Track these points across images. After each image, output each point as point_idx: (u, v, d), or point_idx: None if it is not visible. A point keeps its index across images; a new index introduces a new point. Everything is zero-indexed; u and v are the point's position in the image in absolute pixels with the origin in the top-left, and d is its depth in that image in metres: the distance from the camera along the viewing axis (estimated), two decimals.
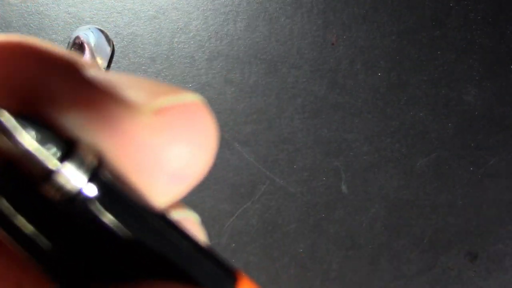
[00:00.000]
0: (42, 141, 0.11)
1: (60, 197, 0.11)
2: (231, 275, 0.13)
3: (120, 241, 0.12)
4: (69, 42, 0.70)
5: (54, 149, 0.11)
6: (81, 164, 0.11)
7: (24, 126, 0.11)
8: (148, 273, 0.12)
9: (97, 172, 0.11)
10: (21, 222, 0.12)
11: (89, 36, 0.69)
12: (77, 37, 0.69)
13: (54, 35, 0.72)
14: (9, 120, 0.11)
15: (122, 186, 0.12)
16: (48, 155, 0.11)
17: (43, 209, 0.12)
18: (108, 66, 0.70)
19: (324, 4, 0.73)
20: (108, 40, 0.70)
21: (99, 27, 0.70)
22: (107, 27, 0.71)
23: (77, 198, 0.11)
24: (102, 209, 0.12)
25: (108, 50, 0.70)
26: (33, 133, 0.11)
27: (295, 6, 0.72)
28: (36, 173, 0.11)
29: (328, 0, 0.73)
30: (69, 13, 0.72)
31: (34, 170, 0.11)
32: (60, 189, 0.11)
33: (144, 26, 0.72)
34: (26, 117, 0.11)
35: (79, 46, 0.69)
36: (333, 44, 0.72)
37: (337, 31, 0.72)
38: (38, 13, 0.72)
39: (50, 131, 0.11)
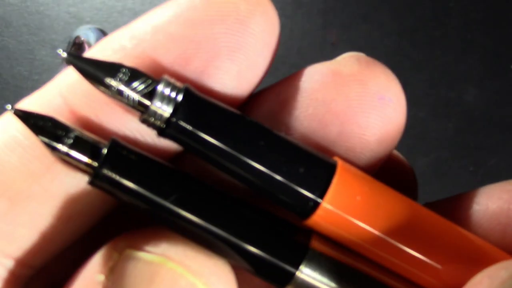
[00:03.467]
0: (127, 82, 0.13)
1: (160, 123, 0.13)
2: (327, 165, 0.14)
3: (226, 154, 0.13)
4: (69, 42, 0.70)
5: (142, 86, 0.13)
6: (168, 89, 0.13)
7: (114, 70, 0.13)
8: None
9: (187, 93, 0.13)
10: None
11: (89, 36, 0.69)
12: (77, 37, 0.69)
13: (54, 35, 0.72)
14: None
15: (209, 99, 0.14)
16: (135, 94, 0.13)
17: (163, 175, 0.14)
18: None
19: (324, 4, 0.73)
20: None
21: (99, 27, 0.70)
22: (107, 27, 0.71)
23: (173, 120, 0.13)
24: (197, 122, 0.13)
25: None
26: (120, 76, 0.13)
27: (295, 6, 0.72)
28: (134, 107, 0.13)
29: (328, 0, 0.73)
30: (69, 13, 0.72)
31: (129, 106, 0.13)
32: (156, 115, 0.13)
33: None
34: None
35: (79, 46, 0.69)
36: (333, 43, 0.72)
37: (337, 31, 0.72)
38: (38, 13, 0.72)
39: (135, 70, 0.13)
